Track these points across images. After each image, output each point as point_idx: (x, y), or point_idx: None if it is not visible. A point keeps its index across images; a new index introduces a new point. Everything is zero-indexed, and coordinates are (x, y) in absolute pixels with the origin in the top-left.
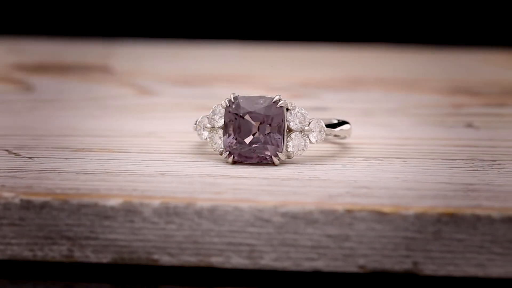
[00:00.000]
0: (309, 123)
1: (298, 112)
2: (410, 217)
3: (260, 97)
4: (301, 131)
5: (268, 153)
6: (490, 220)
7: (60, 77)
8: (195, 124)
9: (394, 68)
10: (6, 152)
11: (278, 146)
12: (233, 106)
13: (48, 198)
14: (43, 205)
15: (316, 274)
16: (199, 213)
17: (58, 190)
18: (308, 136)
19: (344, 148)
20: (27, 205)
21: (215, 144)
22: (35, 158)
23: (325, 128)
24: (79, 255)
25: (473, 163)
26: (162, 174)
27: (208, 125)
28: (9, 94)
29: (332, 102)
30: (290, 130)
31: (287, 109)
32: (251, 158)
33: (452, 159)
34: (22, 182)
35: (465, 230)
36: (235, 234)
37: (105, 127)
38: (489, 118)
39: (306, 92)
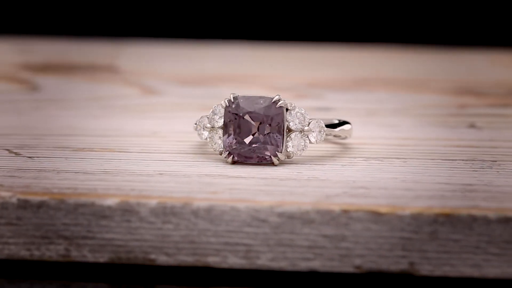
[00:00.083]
0: (309, 123)
1: (298, 112)
2: (406, 217)
3: (260, 97)
4: (300, 131)
5: (267, 153)
6: (486, 220)
7: (66, 76)
8: (195, 124)
9: (399, 69)
10: (6, 152)
11: (277, 146)
12: (233, 106)
13: (45, 198)
14: (40, 205)
15: (313, 274)
16: (195, 213)
17: (55, 189)
18: (307, 136)
19: (345, 149)
20: (24, 205)
21: (215, 144)
22: (35, 158)
23: (325, 128)
24: (76, 255)
25: (473, 164)
26: (161, 174)
27: (208, 125)
28: (15, 94)
29: (337, 102)
30: (289, 130)
31: (287, 109)
32: (251, 158)
33: (452, 160)
34: (20, 181)
35: (461, 231)
36: (232, 234)
37: (107, 127)
38: (493, 119)
39: (311, 92)
